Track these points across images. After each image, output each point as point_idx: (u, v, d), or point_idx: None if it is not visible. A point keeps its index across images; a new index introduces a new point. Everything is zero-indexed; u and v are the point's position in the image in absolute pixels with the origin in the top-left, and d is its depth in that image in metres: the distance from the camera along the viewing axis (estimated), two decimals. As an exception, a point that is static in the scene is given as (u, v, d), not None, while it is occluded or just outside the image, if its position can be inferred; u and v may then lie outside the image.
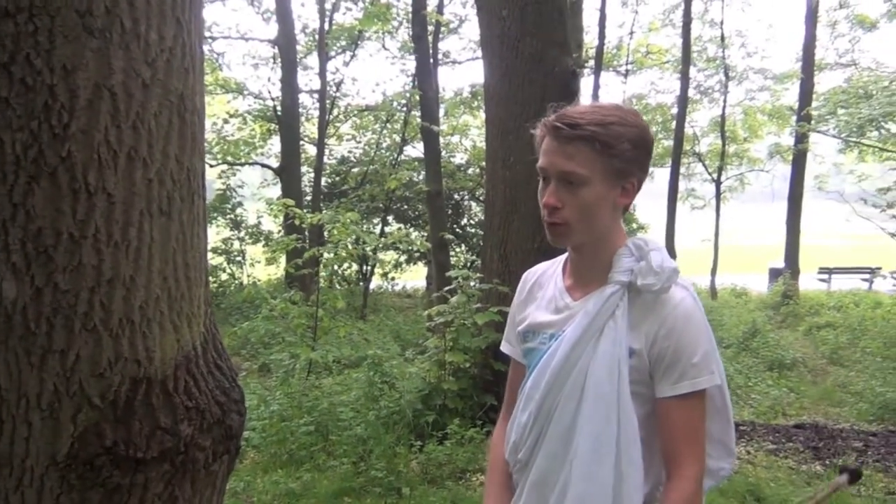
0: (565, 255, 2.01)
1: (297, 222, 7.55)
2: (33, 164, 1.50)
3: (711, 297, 21.11)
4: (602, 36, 18.33)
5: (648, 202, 25.73)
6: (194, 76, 1.72)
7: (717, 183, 24.36)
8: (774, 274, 21.62)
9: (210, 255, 19.52)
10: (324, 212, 9.44)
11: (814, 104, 20.85)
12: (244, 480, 5.46)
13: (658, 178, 25.60)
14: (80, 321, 1.55)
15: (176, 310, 1.69)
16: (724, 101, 24.04)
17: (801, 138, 20.36)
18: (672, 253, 19.61)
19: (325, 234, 10.91)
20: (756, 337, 13.10)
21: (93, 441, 1.56)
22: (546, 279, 2.03)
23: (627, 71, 23.65)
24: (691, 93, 23.43)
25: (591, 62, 19.56)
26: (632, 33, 23.67)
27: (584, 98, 20.34)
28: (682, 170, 23.76)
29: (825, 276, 24.02)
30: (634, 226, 24.48)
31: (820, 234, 32.60)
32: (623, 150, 1.76)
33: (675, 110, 22.26)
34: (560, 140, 1.76)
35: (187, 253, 1.71)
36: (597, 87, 18.71)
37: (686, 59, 20.03)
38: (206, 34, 21.47)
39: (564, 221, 1.80)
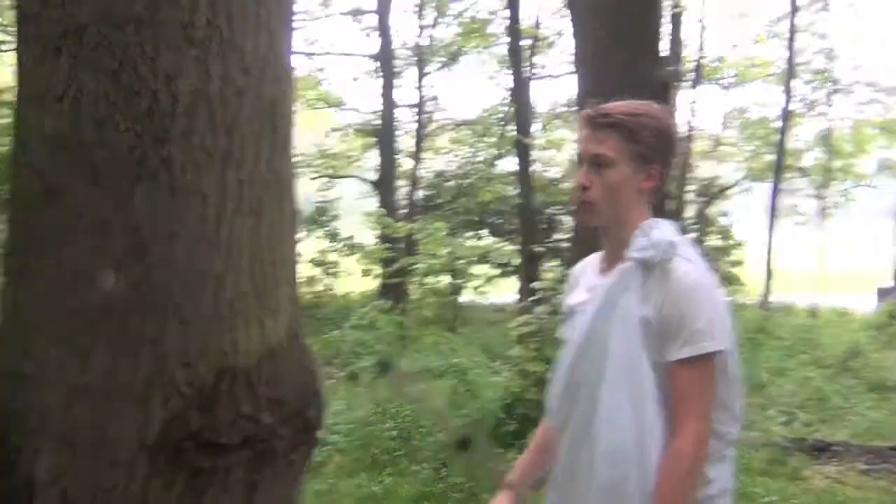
0: None
1: (387, 232, 7.68)
2: (137, 165, 1.60)
3: (812, 316, 20.41)
4: (701, 48, 18.04)
5: (748, 217, 25.08)
6: (286, 84, 1.81)
7: (821, 199, 23.59)
8: (883, 294, 20.74)
9: (307, 265, 19.98)
10: (415, 223, 9.57)
11: (927, 117, 20.06)
12: (328, 482, 5.57)
13: (759, 193, 24.94)
14: (173, 313, 1.63)
15: (262, 305, 1.75)
16: (830, 114, 23.29)
17: (912, 153, 19.60)
18: (771, 270, 19.11)
19: (420, 247, 11.05)
20: (857, 357, 12.59)
21: (180, 427, 1.64)
22: (588, 267, 2.25)
23: (728, 84, 23.12)
24: (795, 106, 22.77)
25: (691, 75, 19.24)
26: (734, 46, 23.15)
27: (682, 111, 20.02)
28: (784, 185, 23.08)
29: (938, 297, 22.90)
30: (731, 242, 23.89)
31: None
32: (646, 137, 1.99)
33: (777, 124, 21.65)
34: (593, 127, 2.02)
35: (275, 252, 1.78)
36: (694, 100, 18.39)
37: (790, 72, 19.51)
38: (310, 50, 22.01)
39: (592, 200, 2.03)
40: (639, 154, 2.00)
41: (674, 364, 1.91)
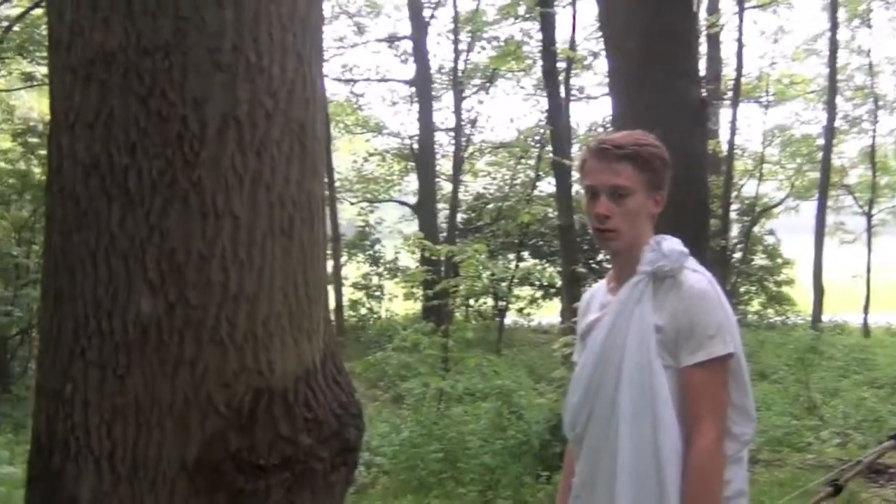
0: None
1: (426, 254, 7.72)
2: (168, 189, 1.63)
3: (864, 335, 20.00)
4: (740, 67, 17.89)
5: (794, 237, 24.73)
6: (315, 106, 1.83)
7: (868, 216, 23.20)
8: (934, 311, 20.31)
9: (350, 290, 20.15)
10: (457, 245, 9.60)
11: (974, 131, 19.68)
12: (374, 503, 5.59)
13: (804, 211, 24.60)
14: (209, 334, 1.65)
15: (296, 325, 1.76)
16: (874, 130, 22.93)
17: (960, 168, 19.23)
18: (820, 288, 18.83)
19: (461, 270, 11.14)
20: (912, 377, 12.30)
21: (219, 447, 1.65)
22: (598, 291, 2.40)
23: (769, 102, 22.91)
24: (838, 123, 22.44)
25: (731, 93, 19.09)
26: (773, 63, 22.97)
27: (723, 130, 19.85)
28: (830, 203, 22.71)
29: None
30: (780, 260, 23.57)
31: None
32: (657, 166, 2.16)
33: (821, 141, 21.37)
34: (608, 159, 2.14)
35: (307, 272, 1.80)
36: (735, 118, 18.22)
37: (832, 89, 19.29)
38: (347, 76, 22.29)
39: (614, 228, 2.14)
40: (650, 182, 2.15)
41: (688, 368, 2.03)
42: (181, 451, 1.65)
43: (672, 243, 2.13)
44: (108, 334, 1.65)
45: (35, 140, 13.81)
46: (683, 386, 2.05)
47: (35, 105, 17.14)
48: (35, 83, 13.31)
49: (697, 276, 2.10)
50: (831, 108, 19.38)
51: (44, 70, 12.55)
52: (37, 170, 13.83)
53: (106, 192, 1.65)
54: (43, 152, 13.38)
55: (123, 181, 1.64)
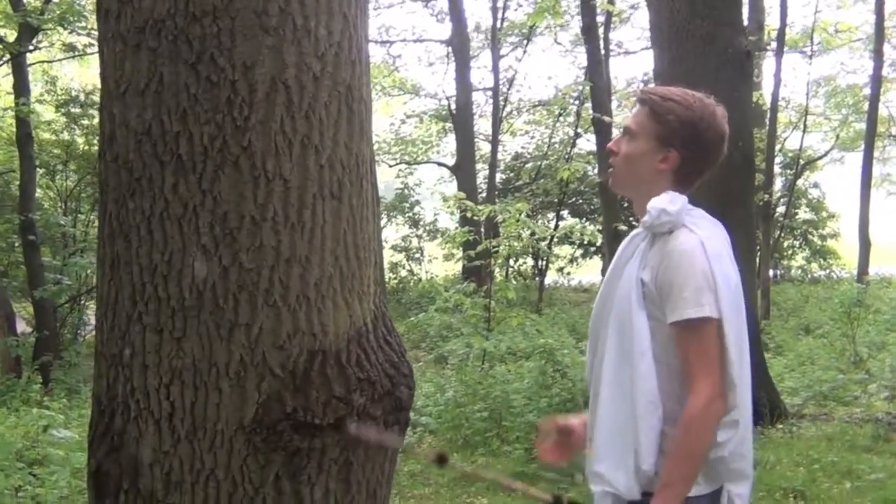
0: None
1: (468, 215, 7.71)
2: (219, 154, 1.65)
3: (914, 289, 19.61)
4: (784, 15, 17.45)
5: (839, 188, 24.30)
6: (361, 68, 1.83)
7: (917, 166, 22.66)
8: None
9: (390, 252, 20.24)
10: (496, 204, 9.59)
11: None
12: (421, 463, 5.65)
13: (849, 162, 24.12)
14: (262, 297, 1.67)
15: (347, 287, 1.78)
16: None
17: None
18: (866, 241, 18.47)
19: (501, 230, 11.13)
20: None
21: (275, 408, 1.68)
22: None
23: (813, 52, 22.35)
24: (886, 71, 21.82)
25: (774, 44, 18.66)
26: (817, 11, 22.37)
27: (766, 80, 19.47)
28: (877, 154, 22.19)
29: None
30: (824, 214, 23.20)
31: None
32: (670, 121, 2.10)
33: (867, 91, 20.83)
34: (636, 102, 2.20)
35: (357, 234, 1.81)
36: (779, 69, 17.83)
37: (879, 36, 18.73)
38: (384, 38, 22.19)
39: (611, 164, 2.21)
40: (658, 134, 2.12)
41: (672, 326, 2.02)
42: (238, 412, 1.68)
43: (660, 200, 2.08)
44: (165, 299, 1.68)
45: (77, 110, 13.99)
46: (674, 343, 2.04)
47: (77, 75, 17.32)
48: (76, 53, 13.41)
49: (689, 237, 2.05)
50: (878, 56, 18.81)
51: (85, 40, 12.66)
52: (80, 139, 14.03)
53: (158, 158, 1.67)
54: (86, 122, 13.56)
55: (175, 147, 1.66)
